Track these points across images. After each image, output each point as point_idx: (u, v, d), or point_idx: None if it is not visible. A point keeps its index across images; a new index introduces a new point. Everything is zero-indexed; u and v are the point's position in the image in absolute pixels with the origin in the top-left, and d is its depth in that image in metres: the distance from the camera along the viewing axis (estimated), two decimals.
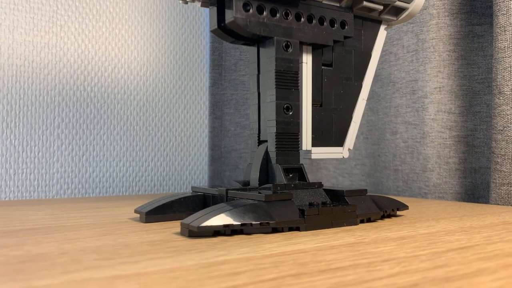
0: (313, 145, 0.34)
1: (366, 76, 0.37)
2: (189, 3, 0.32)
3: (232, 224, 0.25)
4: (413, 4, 0.36)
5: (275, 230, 0.27)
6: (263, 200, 0.27)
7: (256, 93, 0.33)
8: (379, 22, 0.37)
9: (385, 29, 0.37)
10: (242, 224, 0.25)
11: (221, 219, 0.25)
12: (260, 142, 0.33)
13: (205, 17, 0.73)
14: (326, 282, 0.16)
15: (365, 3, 0.34)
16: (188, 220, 0.26)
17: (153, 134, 0.68)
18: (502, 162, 0.44)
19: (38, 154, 0.59)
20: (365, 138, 0.66)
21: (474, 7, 0.53)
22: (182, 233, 0.26)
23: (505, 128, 0.43)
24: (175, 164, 0.70)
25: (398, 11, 0.37)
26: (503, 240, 0.24)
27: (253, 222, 0.26)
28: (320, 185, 0.31)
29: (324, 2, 0.33)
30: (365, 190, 0.32)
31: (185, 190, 0.71)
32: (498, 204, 0.44)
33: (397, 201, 0.35)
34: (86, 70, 0.63)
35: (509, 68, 0.43)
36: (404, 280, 0.16)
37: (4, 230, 0.28)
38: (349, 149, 0.36)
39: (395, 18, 0.37)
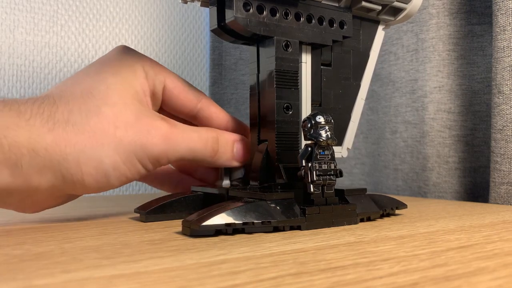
0: None
1: (365, 76, 0.37)
2: (188, 2, 0.32)
3: (234, 223, 0.25)
4: (411, 4, 0.36)
5: (276, 229, 0.27)
6: (264, 199, 0.27)
7: (256, 93, 0.33)
8: (377, 22, 0.37)
9: (383, 29, 0.37)
10: (244, 223, 0.25)
11: (222, 218, 0.25)
12: (260, 141, 0.33)
13: (205, 16, 0.73)
14: (326, 281, 0.16)
15: (363, 3, 0.34)
16: (189, 219, 0.26)
17: None
18: (502, 161, 0.44)
19: None
20: (364, 138, 0.66)
21: (474, 7, 0.53)
22: (183, 232, 0.26)
23: (505, 128, 0.43)
24: None
25: (396, 11, 0.37)
26: (503, 239, 0.24)
27: (255, 221, 0.26)
28: None
29: (323, 2, 0.33)
30: (365, 189, 0.32)
31: None
32: (498, 203, 0.44)
33: (396, 200, 0.35)
34: None
35: (509, 68, 0.43)
36: (404, 279, 0.16)
37: (4, 229, 0.28)
38: (348, 148, 0.36)
39: (393, 18, 0.37)
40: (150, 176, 0.37)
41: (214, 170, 0.37)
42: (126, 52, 0.33)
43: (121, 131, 0.28)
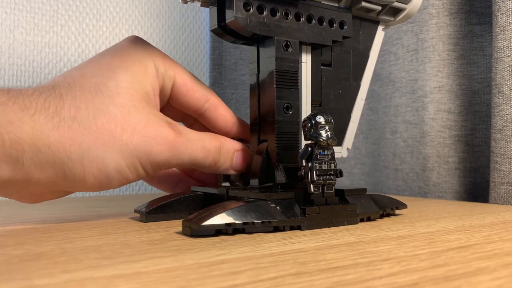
0: None
1: (364, 76, 0.37)
2: (188, 2, 0.32)
3: (234, 223, 0.25)
4: (410, 4, 0.36)
5: (276, 229, 0.27)
6: (265, 199, 0.27)
7: (256, 93, 0.33)
8: (376, 23, 0.37)
9: (383, 29, 0.37)
10: (244, 223, 0.25)
11: (223, 218, 0.25)
12: (260, 141, 0.33)
13: (205, 16, 0.73)
14: (326, 281, 0.16)
15: (363, 3, 0.34)
16: (189, 219, 0.26)
17: None
18: (502, 161, 0.44)
19: None
20: (365, 138, 0.66)
21: (474, 7, 0.53)
22: (183, 232, 0.26)
23: (505, 128, 0.43)
24: None
25: (396, 11, 0.37)
26: (503, 239, 0.24)
27: (255, 221, 0.26)
28: None
29: (323, 2, 0.33)
30: (365, 189, 0.32)
31: None
32: (498, 203, 0.44)
33: (396, 200, 0.35)
34: None
35: (508, 68, 0.43)
36: (404, 279, 0.16)
37: (4, 229, 0.28)
38: (348, 148, 0.36)
39: (392, 19, 0.37)
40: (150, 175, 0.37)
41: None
42: (137, 44, 0.32)
43: (128, 135, 0.28)
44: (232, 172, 0.34)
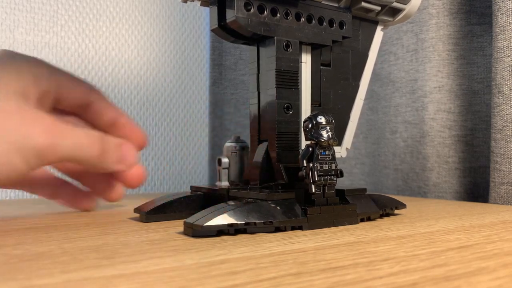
0: None
1: (363, 76, 0.37)
2: (188, 2, 0.32)
3: (236, 224, 0.25)
4: (409, 5, 0.36)
5: (277, 229, 0.27)
6: (266, 199, 0.27)
7: (256, 93, 0.33)
8: (375, 23, 0.37)
9: (382, 29, 0.38)
10: (246, 224, 0.25)
11: (224, 219, 0.25)
12: (260, 141, 0.33)
13: (205, 16, 0.73)
14: (325, 281, 0.16)
15: (363, 3, 0.34)
16: (191, 219, 0.26)
17: (153, 134, 0.68)
18: (502, 162, 0.44)
19: None
20: (364, 138, 0.66)
21: (474, 7, 0.53)
22: (185, 232, 0.26)
23: (504, 128, 0.43)
24: (175, 163, 0.70)
25: (395, 12, 0.37)
26: (502, 239, 0.24)
27: (257, 221, 0.26)
28: None
29: (323, 2, 0.33)
30: (365, 189, 0.32)
31: (185, 189, 0.71)
32: (498, 203, 0.44)
33: (395, 200, 0.35)
34: (87, 69, 0.63)
35: (508, 68, 0.43)
36: (404, 279, 0.16)
37: (4, 229, 0.28)
38: (347, 148, 0.36)
39: (391, 19, 0.37)
40: (28, 181, 0.35)
41: (104, 178, 0.36)
42: (11, 57, 0.31)
43: (1, 119, 0.27)
44: (122, 166, 0.33)
